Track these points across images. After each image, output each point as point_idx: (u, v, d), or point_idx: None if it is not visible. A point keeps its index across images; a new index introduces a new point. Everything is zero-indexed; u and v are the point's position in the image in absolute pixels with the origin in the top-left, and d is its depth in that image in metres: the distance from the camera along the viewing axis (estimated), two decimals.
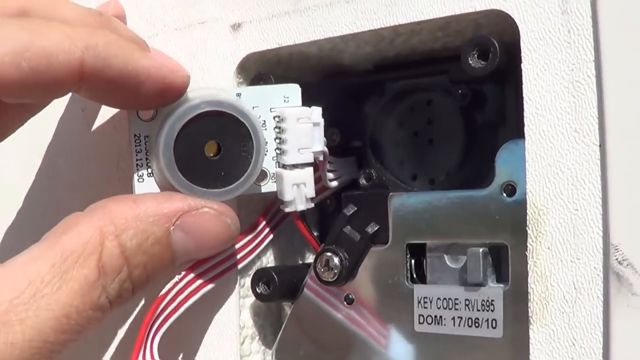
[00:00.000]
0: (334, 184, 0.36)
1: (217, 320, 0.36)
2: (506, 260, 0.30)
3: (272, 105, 0.33)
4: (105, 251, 0.29)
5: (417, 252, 0.33)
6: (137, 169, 0.32)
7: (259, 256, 0.37)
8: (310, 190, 0.34)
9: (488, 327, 0.31)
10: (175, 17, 0.37)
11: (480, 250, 0.31)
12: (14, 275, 0.28)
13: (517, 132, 0.30)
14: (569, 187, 0.28)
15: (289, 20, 0.34)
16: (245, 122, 0.32)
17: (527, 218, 0.29)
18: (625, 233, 0.27)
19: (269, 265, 0.38)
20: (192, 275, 0.33)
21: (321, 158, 0.34)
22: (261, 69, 0.36)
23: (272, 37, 0.35)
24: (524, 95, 0.29)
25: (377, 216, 0.33)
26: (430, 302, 0.32)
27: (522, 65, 0.29)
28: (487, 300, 0.31)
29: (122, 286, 0.30)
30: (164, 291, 0.33)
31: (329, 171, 0.36)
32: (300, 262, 0.39)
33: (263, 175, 0.34)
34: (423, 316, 0.32)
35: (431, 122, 0.36)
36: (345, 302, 0.34)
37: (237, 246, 0.35)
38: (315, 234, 0.38)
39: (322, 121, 0.34)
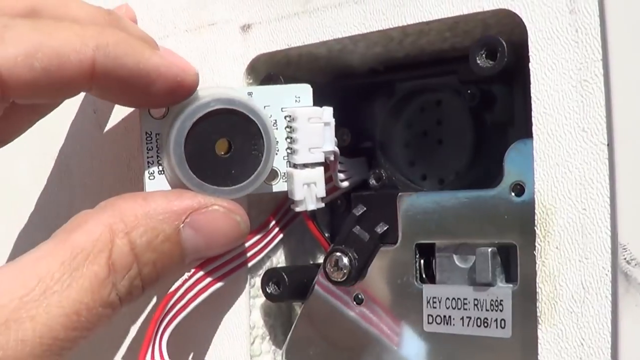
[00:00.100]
0: (345, 184, 0.36)
1: (228, 320, 0.37)
2: (515, 260, 0.31)
3: (283, 104, 0.34)
4: (115, 248, 0.29)
5: (427, 252, 0.33)
6: (148, 167, 0.33)
7: (269, 256, 0.38)
8: (320, 190, 0.34)
9: (497, 327, 0.31)
10: (185, 19, 0.38)
11: (489, 250, 0.31)
12: (24, 273, 0.28)
13: (526, 131, 0.30)
14: (577, 187, 0.28)
15: (298, 21, 0.35)
16: (255, 120, 0.32)
17: (536, 218, 0.29)
18: (634, 232, 0.27)
19: (279, 265, 0.38)
20: (201, 273, 0.34)
21: (332, 158, 0.34)
22: (271, 70, 0.36)
23: (282, 38, 0.35)
24: (532, 95, 0.29)
25: (387, 216, 0.34)
26: (439, 302, 0.32)
27: (530, 64, 0.29)
28: (496, 300, 0.31)
29: (132, 283, 0.30)
30: (173, 288, 0.33)
31: (340, 171, 0.36)
32: (311, 262, 0.40)
33: (274, 174, 0.34)
34: (432, 316, 0.32)
35: (441, 122, 0.36)
36: (354, 302, 0.35)
37: (246, 245, 0.35)
38: (326, 234, 0.38)
39: (332, 121, 0.34)
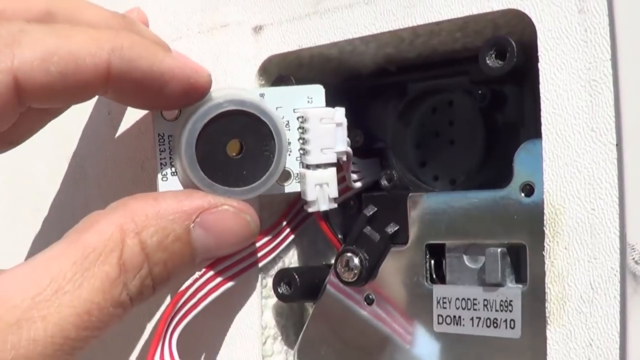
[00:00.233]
0: (358, 184, 0.37)
1: (240, 320, 0.37)
2: (525, 260, 0.31)
3: (295, 105, 0.34)
4: (126, 248, 0.30)
5: (437, 252, 0.34)
6: (161, 168, 0.33)
7: (281, 257, 0.38)
8: (333, 191, 0.34)
9: (506, 327, 0.31)
10: (198, 21, 0.39)
11: (499, 250, 0.31)
12: (36, 273, 0.28)
13: (536, 132, 0.30)
14: (586, 187, 0.28)
15: (310, 22, 0.35)
16: (266, 121, 0.33)
17: (545, 218, 0.29)
18: None
19: (291, 266, 0.39)
20: (212, 272, 0.34)
21: (344, 158, 0.35)
22: (282, 71, 0.37)
23: (293, 39, 0.36)
24: (541, 95, 0.29)
25: (397, 217, 0.34)
26: (449, 302, 0.33)
27: (539, 64, 0.29)
28: (506, 301, 0.31)
29: (143, 283, 0.30)
30: (183, 287, 0.34)
31: (353, 172, 0.36)
32: (324, 263, 0.40)
33: (287, 175, 0.35)
34: (442, 316, 0.33)
35: (452, 122, 0.36)
36: (365, 302, 0.35)
37: (257, 245, 0.36)
38: (339, 235, 0.39)
39: (345, 121, 0.34)
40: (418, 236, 0.34)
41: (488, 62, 0.31)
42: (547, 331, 0.29)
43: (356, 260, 0.35)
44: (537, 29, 0.30)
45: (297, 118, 0.34)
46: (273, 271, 0.38)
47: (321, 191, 0.34)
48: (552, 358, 0.29)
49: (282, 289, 0.36)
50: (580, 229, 0.29)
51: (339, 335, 0.36)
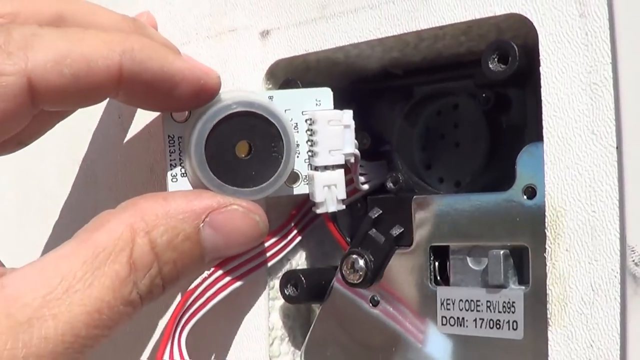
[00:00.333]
0: (365, 187, 0.37)
1: (247, 321, 0.38)
2: (527, 262, 0.31)
3: (304, 108, 0.35)
4: (136, 247, 0.30)
5: (441, 254, 0.34)
6: (171, 169, 0.34)
7: (288, 259, 0.39)
8: (341, 192, 0.35)
9: (509, 328, 0.32)
10: (207, 26, 0.39)
11: (502, 252, 0.32)
12: (46, 272, 0.29)
13: (539, 135, 0.31)
14: (587, 189, 0.29)
15: (316, 26, 0.36)
16: (275, 123, 0.33)
17: (546, 220, 0.30)
18: None
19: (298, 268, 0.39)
20: (220, 272, 0.34)
21: (352, 160, 0.35)
22: (290, 75, 0.37)
23: (300, 43, 0.37)
24: (543, 98, 0.30)
25: (402, 219, 0.35)
26: (453, 303, 0.33)
27: (540, 68, 0.30)
28: (508, 302, 0.32)
29: (153, 282, 0.31)
30: (192, 286, 0.34)
31: (360, 174, 0.37)
32: (331, 265, 0.41)
33: (295, 177, 0.35)
34: (446, 317, 0.33)
35: (457, 125, 0.37)
36: (370, 304, 0.36)
37: (265, 245, 0.37)
38: (347, 238, 0.39)
39: (352, 124, 0.35)
40: (422, 238, 0.34)
41: (490, 65, 0.32)
42: (549, 332, 0.30)
43: (361, 262, 0.35)
44: (538, 32, 0.30)
45: (306, 120, 0.35)
46: (280, 273, 0.38)
47: (329, 192, 0.35)
48: (553, 359, 0.29)
49: (289, 291, 0.37)
50: (581, 231, 0.29)
51: (345, 336, 0.37)
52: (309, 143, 0.35)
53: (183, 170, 0.34)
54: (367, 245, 0.35)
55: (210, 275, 0.35)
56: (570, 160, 0.29)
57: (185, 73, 0.32)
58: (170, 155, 0.34)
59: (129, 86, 0.31)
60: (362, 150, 0.36)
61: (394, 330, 0.35)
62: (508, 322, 0.32)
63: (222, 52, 0.39)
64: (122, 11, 0.36)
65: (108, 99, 0.42)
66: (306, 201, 0.37)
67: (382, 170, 0.39)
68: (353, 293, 0.36)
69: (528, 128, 0.34)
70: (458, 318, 0.33)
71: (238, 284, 0.35)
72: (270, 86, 0.38)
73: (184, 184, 0.34)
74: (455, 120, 0.37)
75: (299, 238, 0.38)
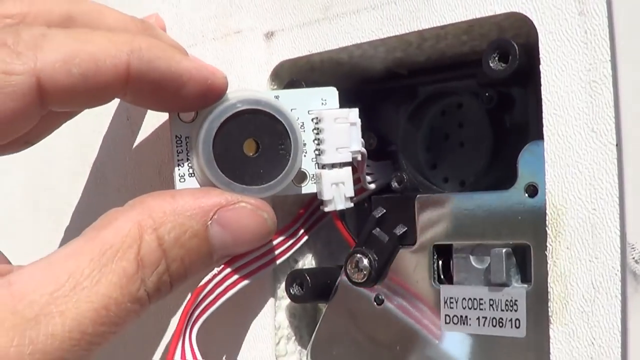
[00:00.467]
0: (372, 186, 0.38)
1: (253, 320, 0.38)
2: (530, 260, 0.31)
3: (310, 107, 0.35)
4: (144, 244, 0.30)
5: (444, 253, 0.34)
6: (179, 169, 0.34)
7: (295, 259, 0.39)
8: (349, 190, 0.35)
9: (512, 326, 0.32)
10: (213, 28, 0.40)
11: (504, 250, 0.32)
12: (54, 269, 0.29)
13: (540, 133, 0.31)
14: (587, 187, 0.29)
15: (319, 27, 0.36)
16: (282, 120, 0.34)
17: (547, 218, 0.30)
18: None
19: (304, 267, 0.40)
20: (229, 270, 0.35)
21: (359, 158, 0.36)
22: (294, 76, 0.38)
23: (304, 44, 0.37)
24: (543, 96, 0.30)
25: (405, 218, 0.35)
26: (456, 302, 0.33)
27: (540, 66, 0.30)
28: (511, 300, 0.32)
29: (161, 279, 0.31)
30: (203, 282, 0.34)
31: (367, 174, 0.37)
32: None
33: (303, 176, 0.35)
34: (449, 316, 0.34)
35: (462, 125, 0.37)
36: (375, 303, 0.36)
37: (273, 243, 0.37)
38: (355, 238, 0.39)
39: (359, 122, 0.35)
40: (426, 237, 0.34)
41: (491, 64, 0.32)
42: (550, 330, 0.30)
43: (365, 261, 0.36)
44: (538, 30, 0.30)
45: (312, 119, 0.35)
46: (287, 272, 0.39)
47: (337, 190, 0.35)
48: (555, 357, 0.30)
49: (294, 290, 0.37)
50: (582, 229, 0.29)
51: (350, 335, 0.37)
52: (316, 142, 0.35)
53: (191, 170, 0.34)
54: (371, 244, 0.36)
55: (219, 272, 0.35)
56: (570, 158, 0.29)
57: (192, 73, 0.32)
58: (177, 155, 0.34)
59: (136, 86, 0.32)
60: (368, 151, 0.36)
61: (399, 329, 0.35)
62: (511, 320, 0.32)
63: (228, 53, 0.39)
64: (129, 13, 0.37)
65: (117, 102, 0.42)
66: (313, 200, 0.38)
67: (388, 170, 0.39)
68: (358, 292, 0.36)
69: (531, 127, 0.34)
70: (461, 316, 0.33)
71: (246, 282, 0.35)
72: (275, 87, 0.38)
73: (191, 183, 0.35)
74: (459, 120, 0.37)
75: (306, 237, 0.39)
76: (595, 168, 0.29)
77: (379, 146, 0.39)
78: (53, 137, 0.38)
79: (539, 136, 0.31)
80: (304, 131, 0.35)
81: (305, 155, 0.35)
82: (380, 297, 0.36)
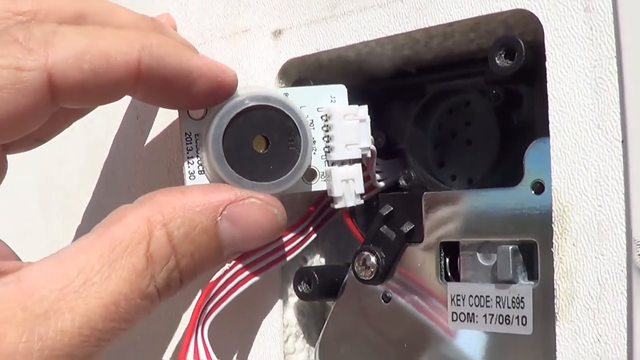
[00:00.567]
0: (382, 184, 0.38)
1: (261, 318, 0.39)
2: (536, 257, 0.32)
3: (319, 105, 0.36)
4: (153, 240, 0.30)
5: (451, 250, 0.34)
6: (189, 166, 0.35)
7: (304, 257, 0.40)
8: (359, 187, 0.36)
9: (518, 324, 0.32)
10: (221, 26, 0.40)
11: (510, 248, 0.32)
12: (64, 265, 0.29)
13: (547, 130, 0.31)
14: (593, 184, 0.29)
15: (326, 25, 0.37)
16: (291, 116, 0.34)
17: (553, 215, 0.30)
18: None
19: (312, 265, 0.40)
20: (240, 266, 0.35)
21: (369, 155, 0.36)
22: (302, 74, 0.38)
23: (311, 42, 0.37)
24: (549, 93, 0.30)
25: (412, 215, 0.35)
26: (463, 299, 0.34)
27: (546, 63, 0.30)
28: (518, 297, 0.32)
29: (171, 275, 0.31)
30: (214, 277, 0.35)
31: (377, 172, 0.37)
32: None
33: (313, 174, 0.36)
34: (456, 313, 0.34)
35: (469, 123, 0.37)
36: (382, 300, 0.36)
37: (282, 240, 0.37)
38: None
39: (368, 118, 0.36)
40: (433, 234, 0.35)
41: (497, 61, 0.32)
42: (557, 327, 0.30)
43: (373, 259, 0.36)
44: (543, 27, 0.30)
45: (322, 117, 0.36)
46: (295, 270, 0.39)
47: (347, 187, 0.35)
48: (561, 354, 0.30)
49: (302, 288, 0.38)
50: (588, 226, 0.29)
51: (358, 332, 0.37)
52: (326, 139, 0.36)
53: (201, 167, 0.35)
54: (378, 242, 0.36)
55: (231, 268, 0.35)
56: (576, 155, 0.30)
57: (202, 70, 0.33)
58: (187, 153, 0.35)
59: (147, 82, 0.32)
60: (377, 149, 0.37)
61: (406, 326, 0.35)
62: (517, 317, 0.32)
63: (236, 52, 0.40)
64: (143, 12, 0.37)
65: (127, 101, 0.43)
66: (322, 198, 0.38)
67: (397, 168, 0.39)
68: (365, 290, 0.37)
69: (538, 124, 0.34)
70: (468, 314, 0.33)
71: (257, 278, 0.36)
72: (282, 85, 0.39)
73: (201, 180, 0.35)
74: (467, 117, 0.37)
75: (314, 236, 0.39)
76: (600, 165, 0.29)
77: (387, 144, 0.39)
78: (64, 137, 0.39)
79: (546, 133, 0.31)
80: (314, 128, 0.35)
81: (314, 153, 0.35)
82: (387, 294, 0.36)
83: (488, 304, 0.33)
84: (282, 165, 0.34)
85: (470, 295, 0.33)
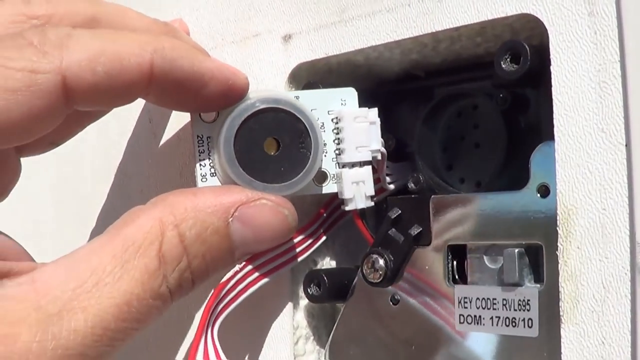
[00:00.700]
0: (392, 186, 0.38)
1: (272, 320, 0.39)
2: (542, 260, 0.32)
3: (329, 107, 0.36)
4: (165, 240, 0.31)
5: (459, 253, 0.35)
6: (201, 169, 0.35)
7: (314, 260, 0.40)
8: (369, 189, 0.36)
9: (524, 326, 0.32)
10: (232, 31, 0.41)
11: (516, 250, 0.33)
12: (77, 266, 0.30)
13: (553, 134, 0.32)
14: (597, 187, 0.30)
15: (335, 30, 0.37)
16: (302, 119, 0.35)
17: (558, 218, 0.31)
18: None
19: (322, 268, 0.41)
20: (250, 267, 0.36)
21: (379, 157, 0.36)
22: (312, 78, 0.39)
23: (321, 47, 0.38)
24: (553, 97, 0.31)
25: (420, 218, 0.36)
26: (470, 302, 0.34)
27: (551, 67, 0.31)
28: (524, 300, 0.32)
29: (182, 276, 0.32)
30: (225, 278, 0.35)
31: (387, 174, 0.38)
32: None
33: (323, 176, 0.36)
34: (463, 316, 0.34)
35: (477, 126, 0.38)
36: (391, 303, 0.37)
37: (294, 241, 0.38)
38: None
39: (378, 121, 0.36)
40: (440, 237, 0.35)
41: (503, 65, 0.33)
42: (562, 330, 0.30)
43: (381, 262, 0.36)
44: (548, 31, 0.31)
45: (332, 119, 0.36)
46: (305, 273, 0.40)
47: (358, 189, 0.36)
48: (566, 356, 0.30)
49: (312, 290, 0.38)
50: (592, 229, 0.30)
51: (367, 335, 0.38)
52: (336, 141, 0.36)
53: (212, 170, 0.35)
54: (387, 244, 0.37)
55: (241, 269, 0.36)
56: (580, 159, 0.30)
57: (214, 72, 0.33)
58: (199, 155, 0.35)
59: (159, 85, 0.33)
60: (387, 152, 0.37)
61: (414, 329, 0.36)
62: (523, 319, 0.32)
63: (247, 56, 0.41)
64: (155, 17, 0.38)
65: (140, 105, 0.44)
66: (332, 200, 0.39)
67: (407, 171, 0.40)
68: (374, 292, 0.37)
69: (544, 127, 0.35)
70: (475, 316, 0.34)
71: (266, 279, 0.36)
72: (292, 89, 0.39)
73: (213, 183, 0.35)
74: (475, 121, 0.38)
75: (324, 238, 0.40)
76: (605, 168, 0.30)
77: (397, 147, 0.40)
78: (77, 140, 0.40)
79: (552, 137, 0.32)
80: (324, 131, 0.36)
81: (325, 156, 0.36)
82: (396, 297, 0.37)
83: (495, 306, 0.33)
84: (293, 167, 0.35)
85: (477, 298, 0.34)
